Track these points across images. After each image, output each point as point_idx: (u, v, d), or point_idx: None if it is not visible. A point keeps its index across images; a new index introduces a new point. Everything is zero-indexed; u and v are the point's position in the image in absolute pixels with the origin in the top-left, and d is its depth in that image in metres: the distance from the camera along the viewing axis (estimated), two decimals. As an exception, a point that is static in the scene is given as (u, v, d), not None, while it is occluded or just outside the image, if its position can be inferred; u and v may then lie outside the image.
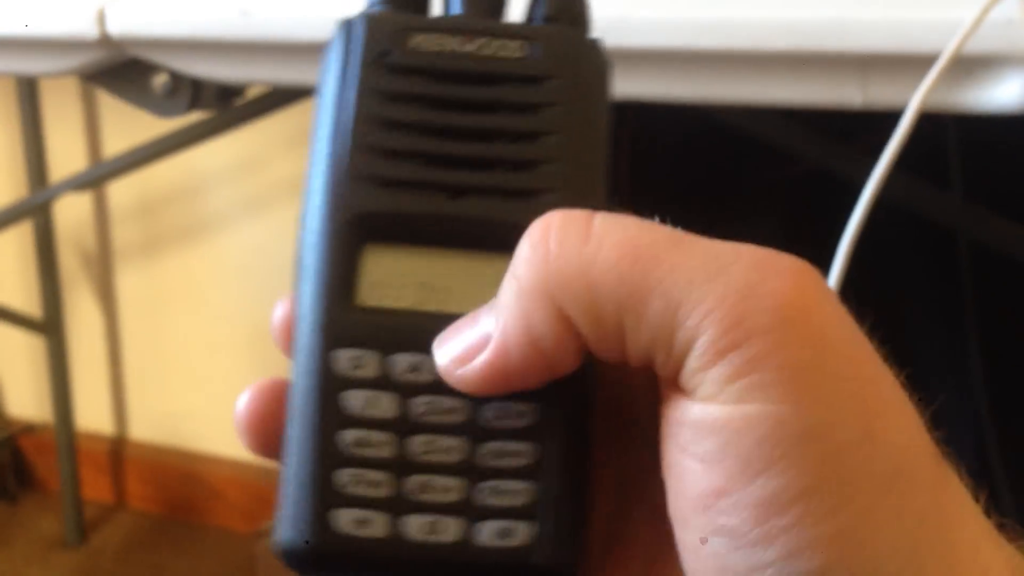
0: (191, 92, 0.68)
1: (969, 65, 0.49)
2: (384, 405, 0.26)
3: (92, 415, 1.65)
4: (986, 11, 0.47)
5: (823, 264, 0.49)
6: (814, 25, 0.51)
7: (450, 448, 0.25)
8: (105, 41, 0.66)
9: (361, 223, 0.26)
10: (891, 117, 0.49)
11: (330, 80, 0.28)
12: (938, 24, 0.49)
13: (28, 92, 1.42)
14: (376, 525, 0.25)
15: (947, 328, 1.04)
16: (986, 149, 0.92)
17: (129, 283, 1.58)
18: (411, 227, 0.26)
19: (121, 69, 0.69)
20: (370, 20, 0.28)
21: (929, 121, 0.48)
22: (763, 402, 0.22)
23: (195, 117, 1.01)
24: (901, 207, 0.83)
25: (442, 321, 0.26)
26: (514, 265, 0.24)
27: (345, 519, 0.25)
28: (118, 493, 1.65)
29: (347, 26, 0.28)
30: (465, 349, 0.25)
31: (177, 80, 0.68)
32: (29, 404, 1.70)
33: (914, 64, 0.49)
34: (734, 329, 0.22)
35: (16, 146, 1.49)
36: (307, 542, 0.25)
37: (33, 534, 1.60)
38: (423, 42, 0.27)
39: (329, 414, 0.26)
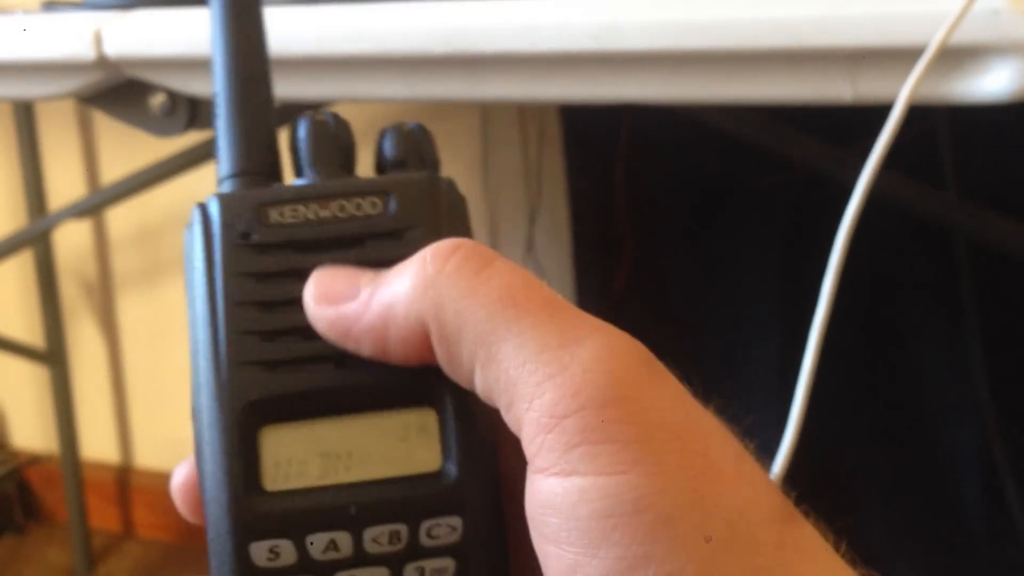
0: (188, 111, 0.69)
1: (957, 56, 0.50)
2: None
3: (97, 444, 1.65)
4: (972, 1, 0.48)
5: (820, 266, 0.49)
6: (802, 22, 0.52)
7: None
8: (102, 62, 0.67)
9: (253, 410, 0.26)
10: (885, 119, 0.50)
11: (196, 266, 0.28)
12: (925, 16, 0.49)
13: (25, 120, 1.42)
14: None
15: (948, 326, 1.04)
16: (977, 147, 0.92)
17: (131, 310, 1.59)
18: (303, 403, 0.26)
19: (118, 90, 0.70)
20: (224, 200, 0.28)
21: (921, 121, 0.49)
22: (594, 474, 0.22)
23: (191, 141, 1.02)
24: (897, 209, 0.83)
25: (348, 490, 0.26)
26: (413, 259, 0.26)
27: None
28: (126, 522, 1.65)
29: (203, 209, 0.28)
30: (332, 293, 0.26)
31: (174, 99, 0.69)
32: (34, 435, 1.70)
33: (902, 57, 0.50)
34: (571, 398, 0.23)
35: (15, 175, 1.50)
36: None
37: (42, 566, 1.59)
38: (281, 215, 0.27)
39: None
